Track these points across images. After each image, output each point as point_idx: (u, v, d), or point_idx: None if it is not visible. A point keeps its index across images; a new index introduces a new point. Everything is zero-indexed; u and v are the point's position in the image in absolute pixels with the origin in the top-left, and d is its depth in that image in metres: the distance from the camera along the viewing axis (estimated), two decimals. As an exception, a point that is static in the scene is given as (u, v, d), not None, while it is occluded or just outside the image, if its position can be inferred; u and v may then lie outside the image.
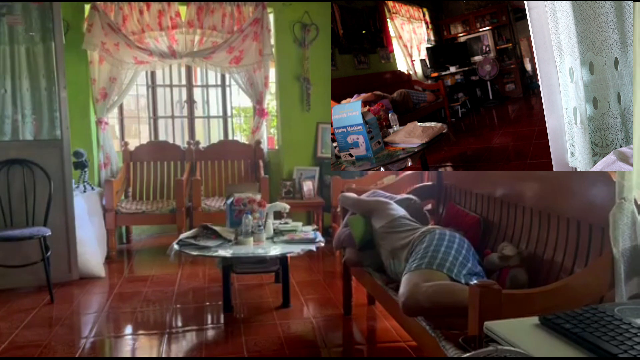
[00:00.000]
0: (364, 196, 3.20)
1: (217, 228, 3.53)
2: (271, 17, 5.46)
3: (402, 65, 5.06)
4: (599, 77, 1.85)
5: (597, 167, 1.82)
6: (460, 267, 2.13)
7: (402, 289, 2.08)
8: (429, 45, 5.39)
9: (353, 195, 3.21)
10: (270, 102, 6.07)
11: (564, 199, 2.14)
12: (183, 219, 4.83)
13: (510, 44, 5.19)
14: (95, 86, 5.25)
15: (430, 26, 5.48)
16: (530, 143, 3.50)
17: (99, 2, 5.05)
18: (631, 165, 1.69)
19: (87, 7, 5.13)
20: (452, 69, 5.22)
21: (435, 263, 2.13)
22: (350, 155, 2.41)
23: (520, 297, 1.63)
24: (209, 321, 3.31)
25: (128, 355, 2.86)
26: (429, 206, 3.45)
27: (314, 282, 4.00)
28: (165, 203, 5.07)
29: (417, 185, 3.56)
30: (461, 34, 5.47)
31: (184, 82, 6.07)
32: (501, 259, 2.25)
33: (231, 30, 5.33)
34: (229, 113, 6.00)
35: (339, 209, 3.53)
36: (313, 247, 3.32)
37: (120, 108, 5.74)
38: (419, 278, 2.07)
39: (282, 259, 3.40)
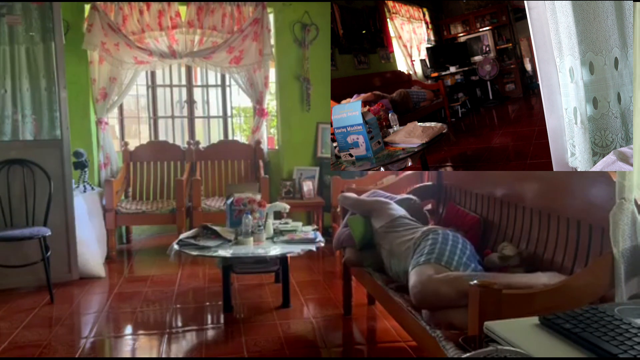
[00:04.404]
0: (363, 196, 3.20)
1: (217, 228, 3.53)
2: (271, 17, 5.46)
3: (402, 65, 5.07)
4: (599, 77, 1.86)
5: (597, 167, 1.82)
6: (464, 267, 2.15)
7: (413, 280, 2.09)
8: (429, 45, 5.39)
9: (353, 195, 3.21)
10: (270, 102, 6.07)
11: (564, 199, 2.14)
12: (183, 219, 4.83)
13: (510, 44, 5.19)
14: (95, 86, 5.25)
15: (430, 26, 5.48)
16: (530, 143, 3.50)
17: (99, 2, 5.05)
18: (631, 165, 1.69)
19: (87, 7, 5.13)
20: (452, 69, 5.22)
21: (443, 260, 2.15)
22: (350, 155, 2.41)
23: (520, 297, 1.63)
24: (209, 321, 3.31)
25: (128, 355, 2.86)
26: (429, 206, 3.45)
27: (314, 282, 4.00)
28: (165, 203, 5.07)
29: (417, 185, 3.56)
30: (461, 34, 5.47)
31: (184, 82, 6.07)
32: (501, 259, 2.25)
33: (231, 30, 5.33)
34: (229, 113, 6.00)
35: (338, 209, 3.53)
36: (313, 247, 3.32)
37: (120, 108, 5.74)
38: (429, 270, 2.09)
39: (282, 259, 3.40)
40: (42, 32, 4.09)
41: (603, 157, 1.83)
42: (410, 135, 2.44)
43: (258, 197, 3.58)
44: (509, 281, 1.86)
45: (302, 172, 5.47)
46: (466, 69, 5.27)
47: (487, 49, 5.32)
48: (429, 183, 3.53)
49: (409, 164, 2.59)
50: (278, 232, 3.59)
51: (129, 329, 3.21)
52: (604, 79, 1.86)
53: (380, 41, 4.75)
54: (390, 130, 2.62)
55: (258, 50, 5.33)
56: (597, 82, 1.86)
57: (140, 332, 3.19)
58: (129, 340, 3.07)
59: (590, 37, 1.84)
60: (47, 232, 3.68)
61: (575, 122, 1.92)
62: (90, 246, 4.26)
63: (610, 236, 1.70)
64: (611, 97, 1.86)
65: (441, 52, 5.34)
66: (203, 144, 5.60)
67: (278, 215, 4.26)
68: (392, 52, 4.92)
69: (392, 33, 4.90)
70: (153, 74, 5.85)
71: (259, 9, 5.28)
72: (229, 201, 3.67)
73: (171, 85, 6.09)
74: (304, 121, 5.52)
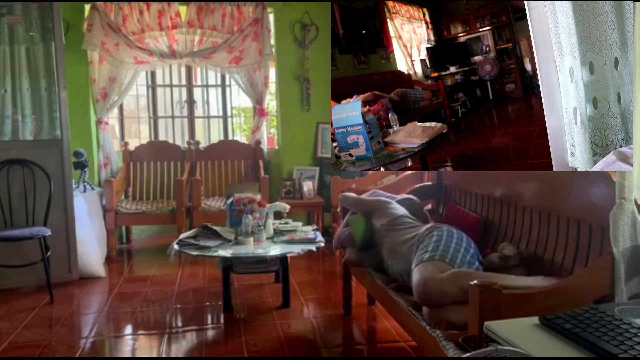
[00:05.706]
0: (364, 196, 3.20)
1: (217, 228, 3.53)
2: (271, 17, 5.46)
3: (402, 65, 5.07)
4: (599, 77, 1.86)
5: (597, 167, 1.82)
6: (468, 266, 2.16)
7: (417, 277, 2.08)
8: (429, 45, 5.39)
9: (353, 195, 3.21)
10: (270, 102, 6.07)
11: (564, 199, 2.14)
12: (183, 219, 4.83)
13: (510, 44, 5.20)
14: (95, 86, 5.25)
15: (430, 26, 5.48)
16: (530, 143, 3.50)
17: (99, 2, 5.05)
18: (631, 165, 1.69)
19: (87, 7, 5.12)
20: (452, 69, 5.23)
21: (448, 257, 2.16)
22: (350, 155, 2.41)
23: (520, 297, 1.63)
24: (209, 321, 3.31)
25: (128, 355, 2.86)
26: (429, 206, 3.45)
27: (314, 282, 4.00)
28: (165, 203, 5.07)
29: (417, 185, 3.56)
30: (461, 34, 5.47)
31: (184, 82, 6.07)
32: (501, 259, 2.25)
33: (231, 30, 5.33)
34: (229, 113, 6.00)
35: (339, 209, 3.53)
36: (313, 247, 3.32)
37: (120, 108, 5.74)
38: (433, 267, 2.09)
39: (282, 259, 3.40)
40: (42, 32, 4.09)
41: (603, 157, 1.83)
42: (410, 135, 2.44)
43: (258, 197, 3.58)
44: (504, 282, 1.87)
45: (302, 172, 5.47)
46: (466, 69, 5.27)
47: (487, 49, 5.32)
48: (429, 183, 3.53)
49: (409, 164, 2.58)
50: (278, 232, 3.59)
51: (129, 329, 3.21)
52: (604, 79, 1.86)
53: (380, 41, 4.75)
54: (390, 130, 2.62)
55: (258, 50, 5.32)
56: (597, 82, 1.86)
57: (140, 332, 3.19)
58: (129, 340, 3.06)
59: (590, 37, 1.84)
60: (47, 232, 3.68)
61: (575, 122, 1.92)
62: (90, 246, 4.26)
63: (610, 236, 1.70)
64: (611, 97, 1.86)
65: (441, 52, 5.34)
66: (203, 144, 5.60)
67: (278, 215, 4.25)
68: (392, 52, 4.92)
69: (392, 33, 4.90)
70: (153, 74, 5.85)
71: (259, 9, 5.28)
72: (229, 201, 3.67)
73: (171, 85, 6.09)
74: (304, 121, 5.52)
